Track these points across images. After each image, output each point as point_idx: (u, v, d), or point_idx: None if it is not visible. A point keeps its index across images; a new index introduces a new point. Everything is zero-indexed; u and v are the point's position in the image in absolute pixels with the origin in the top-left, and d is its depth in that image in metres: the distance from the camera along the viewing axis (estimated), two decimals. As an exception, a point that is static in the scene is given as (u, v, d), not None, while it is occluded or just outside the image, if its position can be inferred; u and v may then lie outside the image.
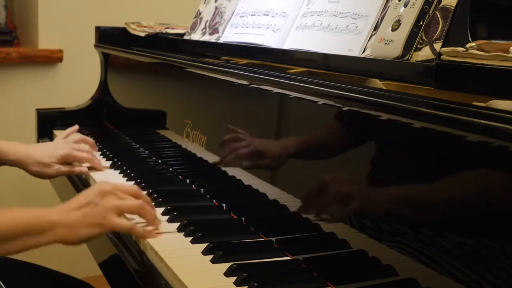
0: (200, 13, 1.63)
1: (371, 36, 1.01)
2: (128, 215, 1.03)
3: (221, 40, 1.43)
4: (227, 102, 1.26)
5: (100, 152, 1.56)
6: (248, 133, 1.11)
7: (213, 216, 1.09)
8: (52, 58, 2.35)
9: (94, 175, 1.35)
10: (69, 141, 1.43)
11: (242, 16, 1.38)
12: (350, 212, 0.87)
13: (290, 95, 0.99)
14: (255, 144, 1.09)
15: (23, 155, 1.32)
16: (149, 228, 1.00)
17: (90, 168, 1.39)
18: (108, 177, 1.32)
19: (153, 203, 1.12)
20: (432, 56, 0.85)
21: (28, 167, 1.32)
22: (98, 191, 0.99)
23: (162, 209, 1.10)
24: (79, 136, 1.51)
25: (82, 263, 2.32)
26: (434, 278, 0.72)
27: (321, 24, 1.12)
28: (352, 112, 0.85)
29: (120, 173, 1.36)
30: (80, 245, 0.98)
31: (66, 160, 1.37)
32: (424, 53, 0.87)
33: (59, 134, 1.78)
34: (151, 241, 0.96)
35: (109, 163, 1.44)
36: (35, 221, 0.94)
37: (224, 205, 1.13)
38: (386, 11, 0.98)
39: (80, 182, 1.38)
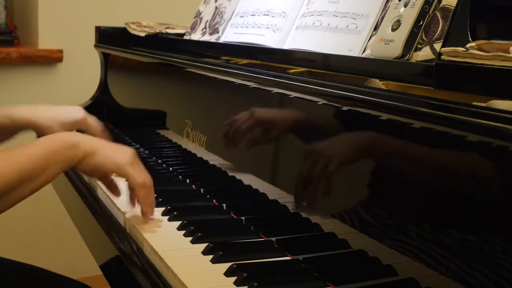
0: (200, 13, 1.63)
1: (371, 36, 1.01)
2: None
3: (221, 40, 1.43)
4: (227, 102, 1.26)
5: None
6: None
7: (213, 216, 1.09)
8: (52, 58, 2.35)
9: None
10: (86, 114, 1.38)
11: (242, 16, 1.38)
12: (352, 213, 0.87)
13: (290, 95, 0.99)
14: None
15: (36, 113, 1.27)
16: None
17: None
18: None
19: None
20: (432, 56, 0.85)
21: (44, 129, 1.27)
22: (131, 151, 1.04)
23: (162, 209, 1.10)
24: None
25: (82, 263, 2.32)
26: (434, 278, 0.72)
27: (321, 24, 1.12)
28: (352, 112, 0.85)
29: (120, 173, 1.36)
30: (92, 175, 1.05)
31: (79, 126, 1.35)
32: (424, 53, 0.87)
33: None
34: (151, 241, 0.96)
35: (109, 163, 1.43)
36: (59, 144, 0.96)
37: (224, 205, 1.13)
38: (386, 11, 0.98)
39: (80, 182, 1.38)
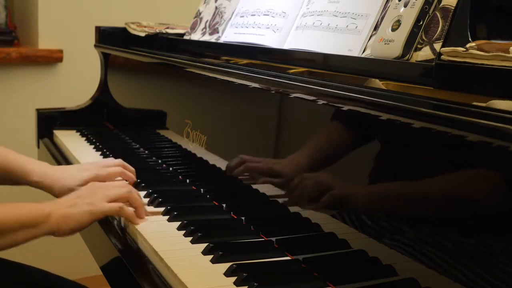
0: (200, 13, 1.63)
1: (371, 36, 1.01)
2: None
3: (221, 40, 1.43)
4: (227, 102, 1.26)
5: (100, 152, 1.56)
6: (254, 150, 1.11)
7: (213, 216, 1.09)
8: (52, 58, 2.35)
9: None
10: (99, 163, 1.30)
11: (242, 16, 1.38)
12: (352, 211, 0.87)
13: (290, 95, 0.99)
14: (268, 165, 1.07)
15: (48, 176, 1.24)
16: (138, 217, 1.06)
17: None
18: None
19: (153, 203, 1.13)
20: (432, 56, 0.85)
21: (52, 190, 1.23)
22: (88, 187, 1.08)
23: (162, 209, 1.10)
24: (118, 161, 1.30)
25: (82, 263, 2.32)
26: (434, 278, 0.72)
27: (321, 24, 1.12)
28: (352, 112, 0.85)
29: (120, 173, 1.36)
30: (72, 235, 1.03)
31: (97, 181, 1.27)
32: (424, 53, 0.87)
33: (59, 134, 1.78)
34: (151, 241, 0.96)
35: (109, 163, 1.43)
36: (30, 214, 0.98)
37: (224, 205, 1.13)
38: (386, 11, 0.98)
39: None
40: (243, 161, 1.13)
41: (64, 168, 1.34)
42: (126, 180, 1.24)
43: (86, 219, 1.01)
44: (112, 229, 1.08)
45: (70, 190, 1.18)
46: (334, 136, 0.93)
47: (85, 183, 1.19)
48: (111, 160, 1.31)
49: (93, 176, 1.22)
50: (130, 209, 1.05)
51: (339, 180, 0.90)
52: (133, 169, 1.29)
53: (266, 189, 1.06)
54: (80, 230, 1.03)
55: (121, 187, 1.08)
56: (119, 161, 1.29)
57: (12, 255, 1.32)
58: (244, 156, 1.13)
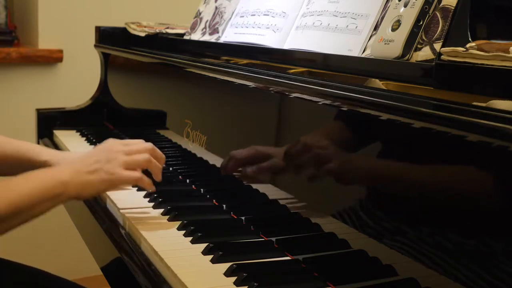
0: (200, 13, 1.63)
1: (371, 36, 1.01)
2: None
3: (221, 40, 1.43)
4: (227, 102, 1.26)
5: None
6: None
7: (213, 216, 1.09)
8: (52, 58, 2.35)
9: None
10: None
11: (242, 16, 1.38)
12: (352, 212, 0.87)
13: (290, 95, 0.99)
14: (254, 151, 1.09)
15: (57, 155, 1.23)
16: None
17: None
18: None
19: (153, 202, 1.13)
20: (432, 56, 0.85)
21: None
22: (107, 149, 1.05)
23: (162, 209, 1.10)
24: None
25: (82, 263, 2.32)
26: (434, 278, 0.72)
27: (321, 24, 1.12)
28: (352, 112, 0.85)
29: (120, 173, 1.36)
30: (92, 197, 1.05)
31: None
32: (424, 53, 0.87)
33: (59, 134, 1.78)
34: (151, 241, 0.96)
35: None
36: (49, 185, 0.96)
37: (224, 205, 1.13)
38: (386, 11, 0.98)
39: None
40: (231, 157, 1.15)
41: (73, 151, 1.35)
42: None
43: (104, 187, 1.01)
44: (112, 228, 1.08)
45: None
46: (334, 135, 0.93)
47: None
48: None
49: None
50: (147, 179, 1.05)
51: (339, 182, 0.90)
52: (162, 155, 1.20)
53: (266, 189, 1.06)
54: (98, 195, 1.04)
55: (141, 153, 1.06)
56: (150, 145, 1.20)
57: (12, 255, 1.32)
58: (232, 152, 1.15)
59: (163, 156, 1.10)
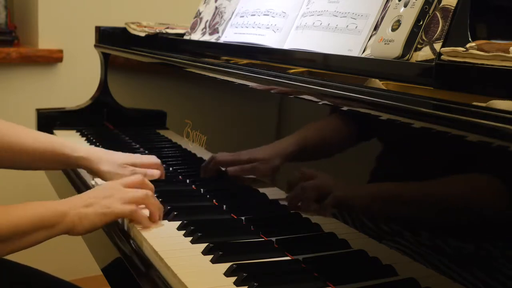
0: (200, 13, 1.63)
1: (371, 36, 1.01)
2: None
3: (221, 40, 1.43)
4: (227, 102, 1.26)
5: (100, 152, 1.56)
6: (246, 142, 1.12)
7: (213, 216, 1.09)
8: (52, 58, 2.35)
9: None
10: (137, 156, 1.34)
11: (242, 16, 1.38)
12: (352, 212, 0.87)
13: (290, 95, 0.99)
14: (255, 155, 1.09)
15: (93, 153, 1.27)
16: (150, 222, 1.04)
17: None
18: None
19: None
20: (432, 56, 0.85)
21: (99, 165, 1.25)
22: (105, 187, 1.06)
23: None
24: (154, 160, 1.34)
25: (82, 264, 2.32)
26: (434, 278, 0.72)
27: (321, 24, 1.12)
28: (352, 112, 0.85)
29: (120, 173, 1.36)
30: (84, 234, 1.02)
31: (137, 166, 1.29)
32: (424, 53, 0.87)
33: (59, 134, 1.78)
34: (151, 241, 0.96)
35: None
36: (47, 214, 0.97)
37: (224, 205, 1.13)
38: (386, 11, 0.98)
39: (80, 182, 1.38)
40: (212, 159, 1.17)
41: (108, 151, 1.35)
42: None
43: (100, 220, 1.00)
44: (112, 228, 1.08)
45: (119, 166, 1.25)
46: (333, 135, 0.93)
47: (133, 164, 1.26)
48: (148, 159, 1.33)
49: (139, 161, 1.29)
50: (144, 213, 1.04)
51: (339, 182, 0.90)
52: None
53: (266, 189, 1.06)
54: (94, 230, 1.02)
55: (139, 190, 1.06)
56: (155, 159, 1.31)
57: (11, 254, 1.32)
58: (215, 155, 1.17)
59: (161, 205, 1.07)
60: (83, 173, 1.38)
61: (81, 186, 1.34)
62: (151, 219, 1.04)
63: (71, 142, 1.30)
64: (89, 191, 1.07)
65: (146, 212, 1.05)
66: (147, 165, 1.29)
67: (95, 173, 1.27)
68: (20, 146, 1.24)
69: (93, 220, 1.00)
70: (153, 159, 1.31)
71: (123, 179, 1.10)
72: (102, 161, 1.26)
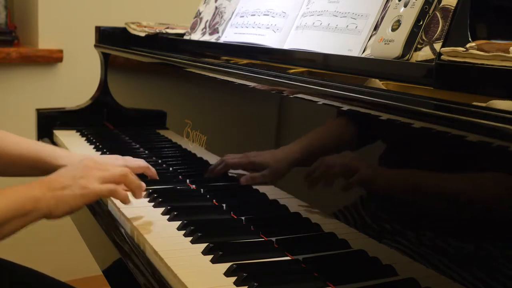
0: (200, 13, 1.63)
1: (371, 36, 1.01)
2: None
3: (221, 40, 1.43)
4: (227, 102, 1.26)
5: (100, 152, 1.56)
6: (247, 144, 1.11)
7: (213, 216, 1.09)
8: (52, 58, 2.35)
9: None
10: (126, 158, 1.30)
11: (242, 16, 1.38)
12: (353, 213, 0.87)
13: (290, 95, 0.99)
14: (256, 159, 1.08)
15: (74, 161, 1.21)
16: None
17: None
18: None
19: (153, 202, 1.13)
20: (432, 56, 0.85)
21: None
22: (82, 165, 1.01)
23: (162, 209, 1.10)
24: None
25: (82, 264, 2.32)
26: (434, 278, 0.72)
27: (321, 24, 1.12)
28: (352, 112, 0.85)
29: (120, 173, 1.36)
30: (63, 217, 0.98)
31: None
32: (424, 53, 0.87)
33: (59, 134, 1.78)
34: (151, 241, 0.96)
35: (109, 163, 1.43)
36: (18, 202, 0.92)
37: (224, 205, 1.13)
38: (386, 11, 0.98)
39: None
40: (222, 160, 1.14)
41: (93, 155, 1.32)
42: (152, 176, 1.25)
43: (78, 202, 0.96)
44: (112, 228, 1.08)
45: None
46: (333, 136, 0.93)
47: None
48: (136, 161, 1.28)
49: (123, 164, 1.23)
50: (123, 191, 1.01)
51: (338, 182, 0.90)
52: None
53: (266, 189, 1.06)
54: (73, 213, 0.98)
55: (116, 168, 1.04)
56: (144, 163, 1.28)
57: (11, 254, 1.32)
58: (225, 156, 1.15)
59: (141, 183, 1.05)
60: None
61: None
62: (135, 196, 1.03)
63: (56, 150, 1.26)
64: (63, 169, 1.02)
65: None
66: (133, 169, 1.26)
67: None
68: (4, 152, 1.22)
69: (71, 204, 0.96)
70: (140, 162, 1.27)
71: (102, 158, 1.08)
72: None
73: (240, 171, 1.14)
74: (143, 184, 1.05)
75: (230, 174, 1.18)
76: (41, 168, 1.22)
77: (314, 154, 0.95)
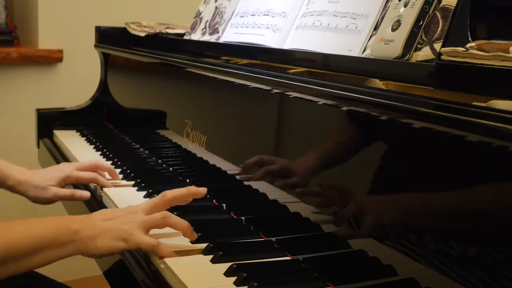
0: (200, 13, 1.63)
1: (371, 36, 1.01)
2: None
3: (221, 40, 1.43)
4: (227, 102, 1.26)
5: (100, 152, 1.56)
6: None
7: (213, 216, 1.09)
8: (52, 58, 2.35)
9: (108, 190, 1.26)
10: (73, 164, 1.31)
11: (242, 16, 1.38)
12: (352, 213, 0.87)
13: (290, 95, 0.99)
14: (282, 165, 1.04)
15: (21, 179, 1.22)
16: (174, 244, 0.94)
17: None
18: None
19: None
20: (432, 56, 0.85)
21: (26, 192, 1.22)
22: (126, 209, 0.97)
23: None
24: (92, 162, 1.32)
25: (82, 264, 2.32)
26: (434, 278, 0.72)
27: (321, 24, 1.12)
28: (352, 112, 0.85)
29: (120, 173, 1.36)
30: (101, 258, 0.94)
31: (68, 182, 1.26)
32: (424, 53, 0.87)
33: (59, 134, 1.78)
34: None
35: (109, 163, 1.44)
36: (57, 231, 0.88)
37: (224, 205, 1.13)
38: (386, 11, 0.98)
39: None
40: (261, 163, 1.07)
41: (41, 170, 1.32)
42: (102, 185, 1.25)
43: (118, 246, 0.91)
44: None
45: (43, 189, 1.21)
46: (333, 135, 0.93)
47: (58, 183, 1.22)
48: (86, 162, 1.31)
49: (64, 176, 1.24)
50: (167, 249, 0.91)
51: (339, 183, 0.90)
52: (109, 167, 1.32)
53: (267, 189, 1.06)
54: (109, 255, 0.93)
55: (155, 213, 0.95)
56: (94, 161, 1.31)
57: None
58: (262, 157, 1.08)
59: (186, 222, 0.95)
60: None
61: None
62: (188, 236, 0.95)
63: (6, 166, 1.24)
64: (108, 209, 1.00)
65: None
66: (84, 168, 1.27)
67: (32, 200, 1.24)
68: None
69: (111, 246, 0.90)
70: (87, 162, 1.27)
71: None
72: (28, 188, 1.22)
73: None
74: (187, 222, 0.95)
75: (230, 174, 1.18)
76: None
77: (329, 162, 0.94)
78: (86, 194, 1.23)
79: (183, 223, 0.94)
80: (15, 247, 0.85)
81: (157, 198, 0.98)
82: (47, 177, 1.23)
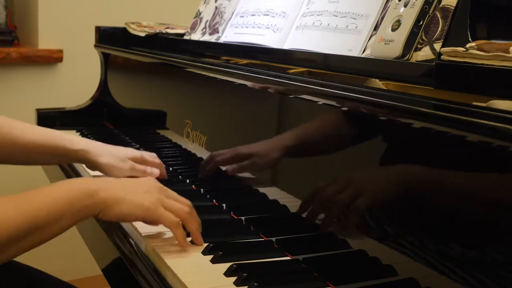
0: (200, 13, 1.63)
1: (371, 36, 1.01)
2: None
3: (221, 40, 1.43)
4: (227, 102, 1.26)
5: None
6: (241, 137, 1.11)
7: (213, 216, 1.09)
8: (52, 58, 2.35)
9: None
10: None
11: (242, 16, 1.38)
12: (352, 213, 0.87)
13: (290, 95, 0.99)
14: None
15: (93, 145, 1.21)
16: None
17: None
18: None
19: None
20: (432, 56, 0.85)
21: (99, 158, 1.20)
22: (156, 185, 0.96)
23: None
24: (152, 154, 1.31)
25: (82, 264, 2.32)
26: (434, 278, 0.72)
27: (321, 24, 1.12)
28: (352, 112, 0.85)
29: (120, 173, 1.36)
30: (113, 221, 0.92)
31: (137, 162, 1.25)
32: (424, 53, 0.87)
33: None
34: (150, 241, 0.96)
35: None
36: (78, 193, 0.87)
37: (224, 205, 1.13)
38: (386, 11, 0.98)
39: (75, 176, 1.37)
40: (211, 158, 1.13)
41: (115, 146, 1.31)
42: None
43: (139, 213, 0.89)
44: (112, 228, 1.08)
45: (120, 159, 1.21)
46: (333, 135, 0.93)
47: (133, 158, 1.23)
48: (145, 153, 1.29)
49: (139, 155, 1.25)
50: (184, 233, 0.92)
51: (337, 181, 0.90)
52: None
53: (266, 189, 1.06)
54: (124, 221, 0.91)
55: (185, 205, 0.95)
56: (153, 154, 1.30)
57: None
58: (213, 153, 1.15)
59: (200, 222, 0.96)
60: (78, 167, 1.38)
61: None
62: (193, 237, 0.94)
63: (70, 135, 1.26)
64: (136, 179, 0.98)
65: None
66: (148, 162, 1.27)
67: (94, 165, 1.22)
68: (17, 140, 1.19)
69: (132, 210, 0.89)
70: (154, 157, 1.28)
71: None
72: (101, 153, 1.21)
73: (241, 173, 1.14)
74: (199, 224, 0.95)
75: (230, 174, 1.18)
76: (59, 155, 1.21)
77: (307, 144, 0.94)
78: (156, 171, 1.25)
79: (199, 225, 0.94)
80: (36, 218, 0.83)
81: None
82: (126, 151, 1.26)
